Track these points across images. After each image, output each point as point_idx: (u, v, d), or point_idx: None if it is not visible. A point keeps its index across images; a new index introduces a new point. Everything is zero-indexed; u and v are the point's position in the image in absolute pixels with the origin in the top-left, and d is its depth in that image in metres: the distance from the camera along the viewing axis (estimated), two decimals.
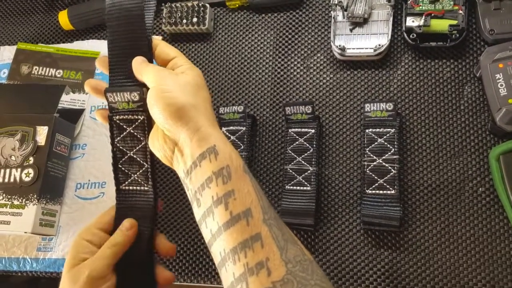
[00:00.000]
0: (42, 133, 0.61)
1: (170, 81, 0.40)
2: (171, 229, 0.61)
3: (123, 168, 0.45)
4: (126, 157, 0.45)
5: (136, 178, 0.45)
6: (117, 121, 0.44)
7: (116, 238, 0.43)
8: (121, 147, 0.45)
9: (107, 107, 0.44)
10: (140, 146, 0.44)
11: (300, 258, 0.35)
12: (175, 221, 0.62)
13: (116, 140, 0.45)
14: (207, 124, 0.40)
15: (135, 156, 0.45)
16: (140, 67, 0.42)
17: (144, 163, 0.45)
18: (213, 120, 0.41)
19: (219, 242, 0.36)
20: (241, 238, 0.35)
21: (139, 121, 0.43)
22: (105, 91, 0.43)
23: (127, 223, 0.44)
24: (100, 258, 0.42)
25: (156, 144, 0.42)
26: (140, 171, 0.45)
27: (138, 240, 0.44)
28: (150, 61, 0.43)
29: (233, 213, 0.36)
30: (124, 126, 0.44)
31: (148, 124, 0.44)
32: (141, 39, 0.43)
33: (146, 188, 0.45)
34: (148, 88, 0.42)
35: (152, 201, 0.45)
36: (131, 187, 0.45)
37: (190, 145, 0.38)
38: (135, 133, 0.44)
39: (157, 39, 0.45)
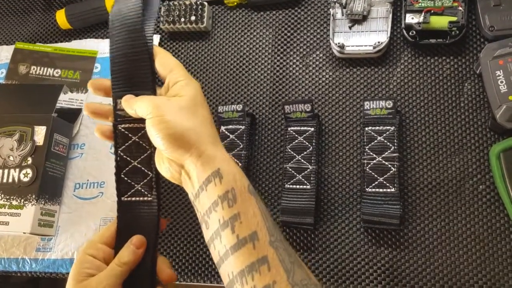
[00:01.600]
0: (40, 133, 0.61)
1: (165, 109, 0.40)
2: (170, 229, 0.62)
3: (126, 178, 0.45)
4: (130, 167, 0.44)
5: (139, 188, 0.45)
6: (122, 130, 0.44)
7: (126, 256, 0.43)
8: (125, 157, 0.44)
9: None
10: (145, 155, 0.44)
11: (306, 282, 0.36)
12: (175, 220, 0.62)
13: (120, 149, 0.44)
14: (210, 145, 0.40)
15: (139, 166, 0.44)
16: (129, 102, 0.42)
17: (149, 172, 0.44)
18: (215, 138, 0.41)
19: (227, 264, 0.37)
20: (248, 261, 0.36)
21: (144, 129, 0.43)
22: (114, 98, 0.44)
23: (137, 241, 0.44)
24: (110, 276, 0.42)
25: (162, 167, 0.42)
26: (144, 181, 0.44)
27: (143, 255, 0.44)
28: (151, 70, 0.43)
29: (239, 236, 0.37)
30: (129, 135, 0.44)
31: None
32: (141, 48, 0.43)
33: (149, 198, 0.45)
34: (154, 94, 0.42)
35: (156, 212, 0.44)
36: (133, 198, 0.45)
37: (196, 170, 0.39)
38: (140, 142, 0.44)
39: (157, 48, 0.45)
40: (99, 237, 0.45)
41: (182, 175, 0.41)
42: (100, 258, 0.44)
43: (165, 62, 0.44)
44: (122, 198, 0.45)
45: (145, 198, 0.44)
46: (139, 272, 0.44)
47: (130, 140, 0.44)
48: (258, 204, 0.38)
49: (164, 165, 0.42)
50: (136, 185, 0.45)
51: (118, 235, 0.45)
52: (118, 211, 0.45)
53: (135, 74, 0.43)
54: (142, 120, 0.42)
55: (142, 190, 0.44)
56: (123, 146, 0.44)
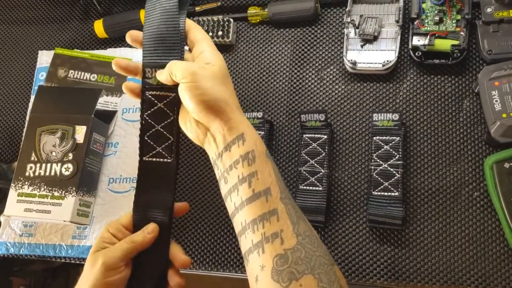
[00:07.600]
0: (81, 132, 0.66)
1: (200, 76, 0.42)
2: (188, 221, 0.66)
3: (149, 141, 0.47)
4: (153, 130, 0.47)
5: (160, 150, 0.47)
6: (149, 96, 0.47)
7: (136, 236, 0.47)
8: (150, 121, 0.47)
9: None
10: (168, 121, 0.47)
11: (309, 233, 0.40)
12: (196, 207, 0.67)
13: (145, 113, 0.47)
14: (237, 113, 0.44)
15: (162, 130, 0.47)
16: (166, 68, 0.45)
17: (170, 137, 0.47)
18: (239, 107, 0.45)
19: (241, 214, 0.41)
20: (260, 212, 0.40)
21: (170, 97, 0.46)
22: (144, 66, 0.46)
23: (150, 227, 0.47)
24: (115, 250, 0.46)
25: (188, 126, 0.46)
26: (165, 144, 0.47)
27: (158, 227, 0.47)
28: (181, 41, 0.46)
29: (255, 190, 0.41)
30: (155, 102, 0.47)
31: (178, 101, 0.46)
32: (173, 20, 0.46)
33: (169, 160, 0.47)
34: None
35: (174, 173, 0.47)
36: (154, 159, 0.47)
37: (223, 133, 0.43)
38: (165, 109, 0.47)
39: (190, 22, 0.47)
40: (122, 219, 0.49)
41: (206, 137, 0.44)
42: (118, 237, 0.48)
43: (195, 34, 0.47)
44: (144, 158, 0.48)
45: (165, 160, 0.47)
46: (152, 253, 0.47)
47: (155, 106, 0.47)
48: (273, 167, 0.43)
49: (191, 126, 0.45)
50: (157, 147, 0.47)
51: (136, 194, 0.48)
52: (139, 169, 0.48)
53: (165, 44, 0.46)
54: (168, 89, 0.45)
55: (163, 152, 0.47)
56: (149, 111, 0.47)
